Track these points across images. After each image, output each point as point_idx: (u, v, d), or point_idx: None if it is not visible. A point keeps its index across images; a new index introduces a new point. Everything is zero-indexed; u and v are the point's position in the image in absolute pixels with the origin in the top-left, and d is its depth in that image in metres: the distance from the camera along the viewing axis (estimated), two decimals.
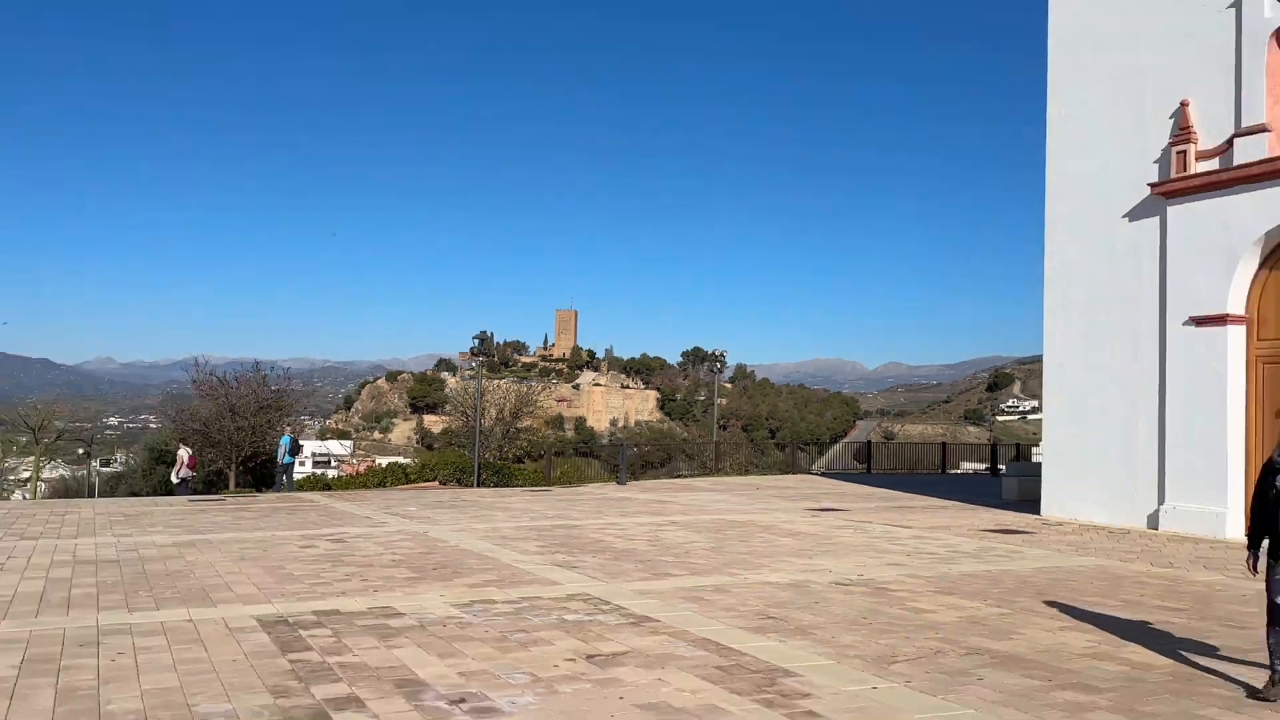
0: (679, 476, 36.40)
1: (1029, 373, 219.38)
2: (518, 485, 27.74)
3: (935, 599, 8.98)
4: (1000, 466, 32.53)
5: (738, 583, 9.58)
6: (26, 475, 51.62)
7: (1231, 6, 14.94)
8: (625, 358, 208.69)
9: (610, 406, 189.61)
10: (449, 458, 35.98)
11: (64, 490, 45.03)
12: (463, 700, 5.52)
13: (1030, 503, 19.25)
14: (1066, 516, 16.85)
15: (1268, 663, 5.96)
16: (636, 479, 29.20)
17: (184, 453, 27.91)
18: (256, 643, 6.90)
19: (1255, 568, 6.05)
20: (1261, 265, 14.71)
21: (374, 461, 61.51)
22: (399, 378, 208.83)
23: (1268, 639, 5.94)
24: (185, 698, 5.56)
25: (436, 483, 28.07)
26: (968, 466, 43.42)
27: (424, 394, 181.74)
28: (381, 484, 29.44)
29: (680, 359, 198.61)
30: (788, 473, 35.52)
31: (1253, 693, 5.89)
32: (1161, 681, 6.24)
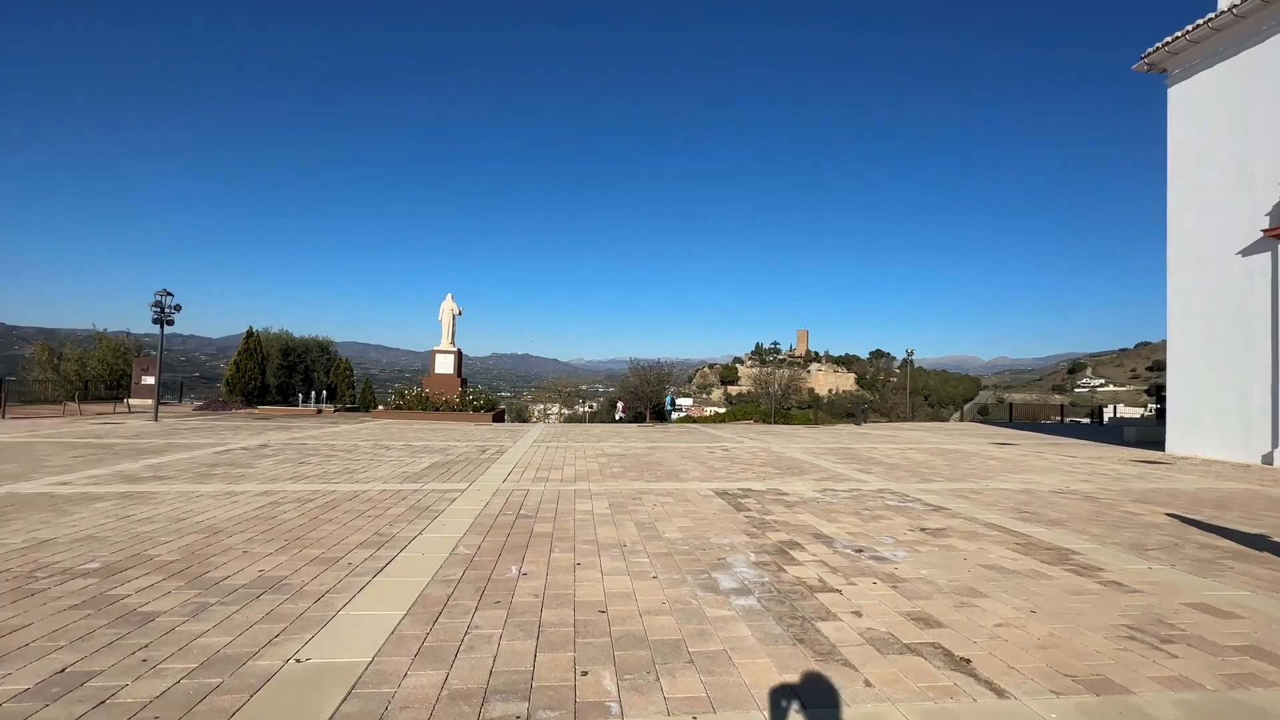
0: (879, 422, 33.06)
1: (1097, 361, 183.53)
2: (795, 424, 26.40)
3: (1137, 505, 6.98)
4: (1088, 419, 26.79)
5: (982, 487, 7.98)
6: (552, 412, 57.66)
7: None
8: (836, 354, 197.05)
9: (827, 383, 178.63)
10: (749, 409, 35.22)
11: (570, 419, 49.47)
12: (861, 550, 4.86)
13: (1146, 444, 15.21)
14: (1188, 454, 13.00)
15: None
16: (866, 422, 26.87)
17: (620, 403, 29.48)
18: (719, 505, 6.64)
19: None
20: None
21: (704, 410, 62.20)
22: (713, 366, 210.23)
23: None
24: (700, 532, 5.38)
25: (752, 420, 27.49)
26: (1068, 419, 36.04)
27: (727, 375, 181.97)
28: (722, 420, 29.32)
29: (869, 354, 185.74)
30: (938, 421, 31.14)
31: None
32: None
